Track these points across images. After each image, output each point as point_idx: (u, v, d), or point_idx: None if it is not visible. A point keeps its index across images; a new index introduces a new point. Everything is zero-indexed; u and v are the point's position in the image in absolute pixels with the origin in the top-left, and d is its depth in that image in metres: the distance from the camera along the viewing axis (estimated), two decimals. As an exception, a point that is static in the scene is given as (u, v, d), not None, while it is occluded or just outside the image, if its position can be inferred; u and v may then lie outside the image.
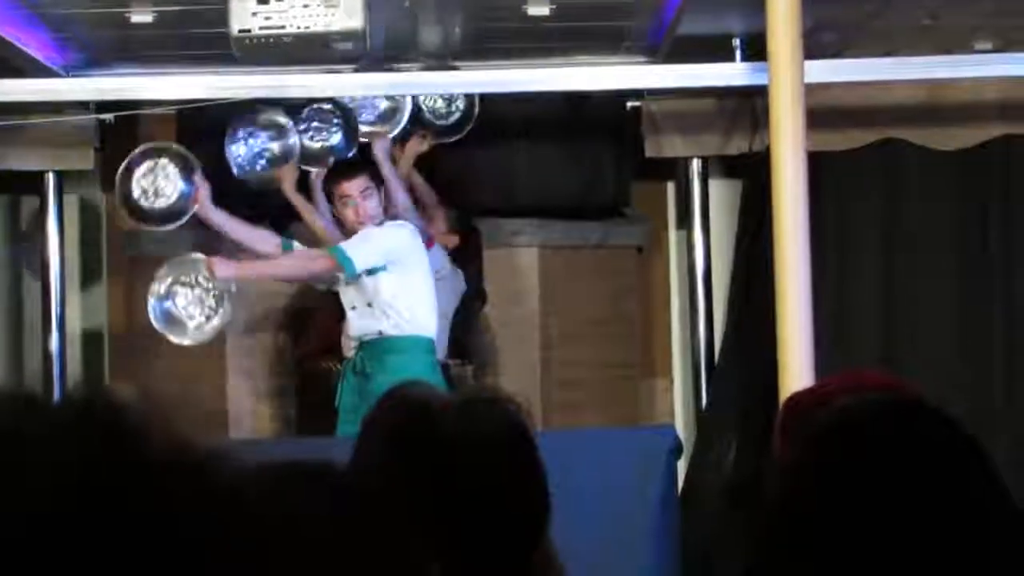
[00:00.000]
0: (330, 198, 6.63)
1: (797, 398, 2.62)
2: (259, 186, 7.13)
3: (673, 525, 6.01)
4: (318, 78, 6.90)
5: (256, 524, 1.46)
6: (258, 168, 7.10)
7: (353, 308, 6.57)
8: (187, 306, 6.75)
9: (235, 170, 7.11)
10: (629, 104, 7.58)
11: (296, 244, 6.74)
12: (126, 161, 6.95)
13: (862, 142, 7.44)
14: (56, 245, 7.64)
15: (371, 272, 6.45)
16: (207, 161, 7.03)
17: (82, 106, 7.38)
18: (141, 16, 6.28)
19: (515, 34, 6.83)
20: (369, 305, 6.51)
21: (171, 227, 6.94)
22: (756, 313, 6.91)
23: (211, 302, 6.73)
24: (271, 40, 5.76)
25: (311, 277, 6.76)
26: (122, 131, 7.64)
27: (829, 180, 7.16)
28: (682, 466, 6.77)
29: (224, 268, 6.46)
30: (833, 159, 7.29)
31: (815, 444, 1.84)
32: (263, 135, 7.12)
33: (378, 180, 6.60)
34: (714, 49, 6.86)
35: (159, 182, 6.90)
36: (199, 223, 6.94)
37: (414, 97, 7.27)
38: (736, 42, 6.94)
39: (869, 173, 7.48)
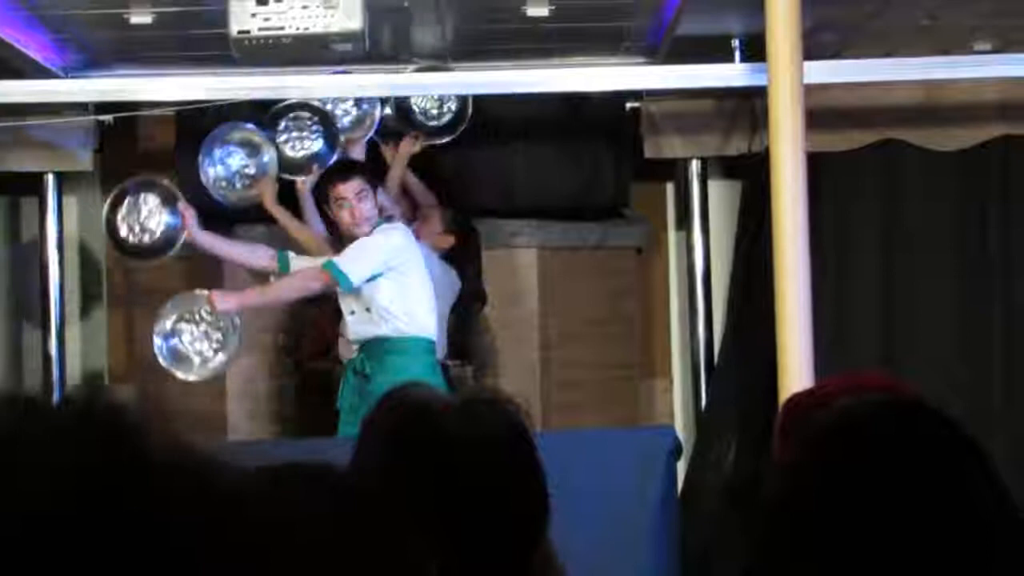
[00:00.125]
0: (325, 200, 6.63)
1: (797, 399, 2.62)
2: (241, 205, 7.12)
3: (673, 526, 6.01)
4: (317, 79, 6.90)
5: (255, 525, 1.46)
6: (238, 187, 7.06)
7: (352, 313, 6.58)
8: (193, 342, 6.78)
9: (216, 196, 7.06)
10: (628, 105, 7.58)
11: (291, 255, 6.74)
12: (107, 204, 6.97)
13: (861, 143, 7.44)
14: (55, 246, 7.64)
15: (368, 279, 6.46)
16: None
17: (81, 107, 7.38)
18: (140, 17, 6.28)
19: (514, 35, 6.83)
20: (368, 310, 6.52)
21: (167, 257, 6.97)
22: (755, 314, 6.91)
23: (218, 335, 6.76)
24: (270, 41, 5.76)
25: (312, 295, 6.74)
26: (121, 132, 7.65)
27: (828, 181, 7.16)
28: (682, 467, 6.77)
29: (225, 301, 6.54)
30: (832, 160, 7.29)
31: (815, 445, 1.84)
32: (239, 154, 7.08)
33: (373, 182, 6.61)
34: (713, 50, 6.86)
35: (143, 219, 6.92)
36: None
37: (406, 98, 7.24)
38: (735, 43, 6.94)
39: (868, 174, 7.48)
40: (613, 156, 7.87)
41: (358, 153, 7.09)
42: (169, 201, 6.88)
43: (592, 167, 7.85)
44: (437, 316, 6.68)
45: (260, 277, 6.91)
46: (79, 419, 1.42)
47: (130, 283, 7.84)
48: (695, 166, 7.72)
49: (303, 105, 7.11)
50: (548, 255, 7.82)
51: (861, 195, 7.48)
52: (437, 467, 2.13)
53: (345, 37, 5.77)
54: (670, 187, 8.18)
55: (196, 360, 6.78)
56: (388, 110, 7.28)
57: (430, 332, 6.59)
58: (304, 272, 6.58)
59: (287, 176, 7.05)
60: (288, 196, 7.04)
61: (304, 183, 7.01)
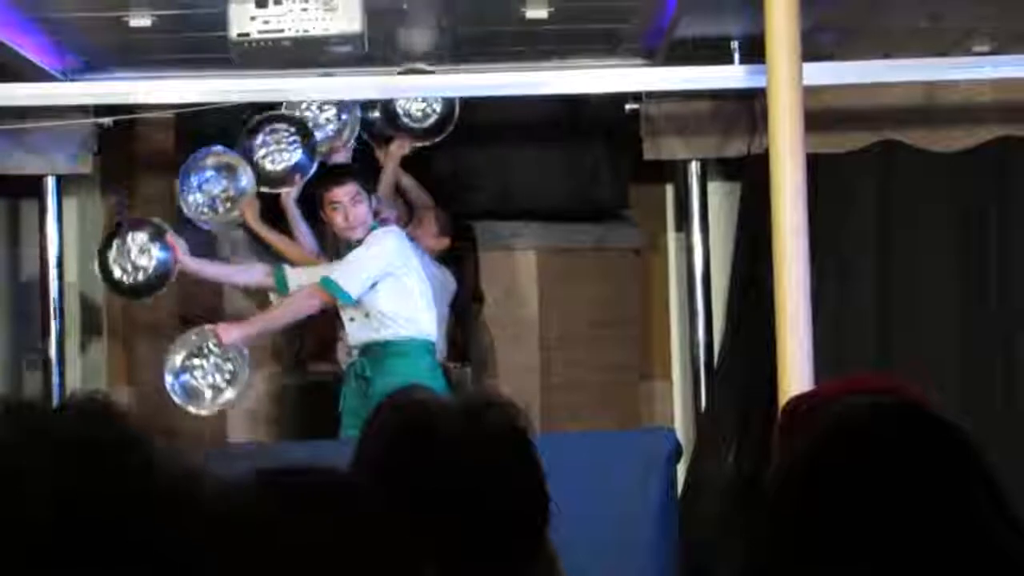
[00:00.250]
0: (320, 203, 6.63)
1: (797, 401, 2.62)
2: (225, 228, 7.13)
3: (672, 528, 6.01)
4: (316, 81, 6.90)
5: (255, 526, 1.46)
6: (220, 211, 7.06)
7: (352, 320, 6.59)
8: (205, 376, 6.81)
9: (200, 223, 7.05)
10: (627, 107, 7.58)
11: (287, 268, 6.74)
12: (97, 250, 7.01)
13: (860, 144, 7.44)
14: (55, 248, 7.64)
15: (367, 288, 6.49)
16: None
17: (81, 110, 7.38)
18: (140, 20, 6.28)
19: (513, 37, 6.83)
20: (367, 316, 6.54)
21: (163, 291, 6.99)
22: (755, 315, 6.92)
23: (229, 366, 6.80)
24: (270, 44, 5.76)
25: (315, 312, 6.74)
26: (121, 135, 7.65)
27: (827, 182, 7.16)
28: (681, 469, 6.77)
29: (230, 333, 6.61)
30: (831, 161, 7.29)
31: (816, 446, 1.85)
32: (217, 178, 7.07)
33: (368, 186, 6.62)
34: (712, 52, 6.87)
35: (134, 258, 6.94)
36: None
37: (391, 101, 7.21)
38: (734, 44, 6.94)
39: (867, 175, 7.48)
40: (612, 158, 7.87)
41: (342, 160, 7.09)
42: (158, 236, 6.90)
43: (591, 169, 7.85)
44: (436, 317, 6.69)
45: (257, 294, 6.94)
46: (77, 428, 1.43)
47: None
48: (694, 167, 7.72)
49: (279, 117, 7.08)
50: (547, 256, 7.82)
51: (860, 196, 7.48)
52: (437, 469, 2.14)
53: (344, 39, 5.77)
54: (669, 189, 8.18)
55: (209, 394, 6.81)
56: (377, 113, 7.27)
57: (430, 333, 6.60)
58: (303, 293, 6.58)
59: (269, 190, 7.04)
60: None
61: (288, 195, 7.02)
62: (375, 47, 6.05)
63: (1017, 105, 7.31)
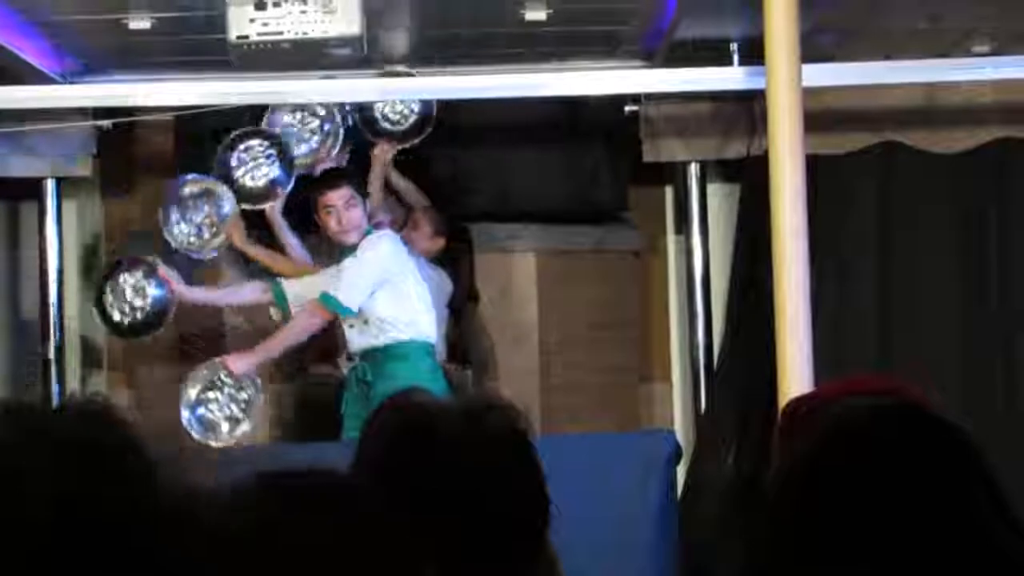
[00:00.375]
0: (313, 207, 6.64)
1: (797, 402, 2.62)
2: (214, 253, 7.14)
3: (672, 529, 6.02)
4: (315, 84, 6.90)
5: (255, 528, 1.46)
6: (207, 237, 7.08)
7: (351, 327, 6.60)
8: (221, 408, 6.85)
9: (189, 253, 7.07)
10: (627, 108, 7.58)
11: (283, 281, 6.74)
12: (94, 297, 7.05)
13: (860, 145, 7.44)
14: (55, 250, 7.64)
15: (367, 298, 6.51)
16: (204, 168, 7.06)
17: (80, 113, 7.38)
18: (139, 23, 6.28)
19: (513, 39, 6.83)
20: (366, 323, 6.54)
21: (162, 329, 7.03)
22: (755, 317, 6.91)
23: (244, 395, 6.82)
24: (269, 46, 5.76)
25: (318, 330, 6.75)
26: (120, 138, 7.65)
27: (827, 183, 7.15)
28: (681, 470, 6.77)
29: (239, 363, 6.68)
30: (831, 162, 7.29)
31: (817, 448, 1.85)
32: (199, 206, 7.09)
33: (363, 191, 6.62)
34: (711, 53, 6.87)
35: (129, 299, 6.97)
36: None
37: (369, 106, 7.19)
38: (733, 46, 6.94)
39: (867, 176, 7.48)
40: (611, 160, 7.87)
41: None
42: (151, 274, 6.93)
43: (591, 171, 7.85)
44: (435, 318, 6.70)
45: (257, 311, 6.96)
46: (79, 444, 1.43)
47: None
48: (694, 169, 7.72)
49: (251, 133, 7.08)
50: (547, 259, 7.82)
51: (860, 198, 7.48)
52: (437, 470, 2.14)
53: (343, 42, 5.77)
54: (669, 190, 8.18)
55: (226, 426, 6.85)
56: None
57: (429, 336, 6.61)
58: (304, 312, 6.59)
59: (252, 207, 7.05)
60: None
61: (272, 208, 7.02)
62: (373, 48, 6.05)
63: (1018, 106, 7.31)
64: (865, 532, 1.75)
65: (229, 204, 6.99)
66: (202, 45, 6.50)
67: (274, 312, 6.80)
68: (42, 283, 7.66)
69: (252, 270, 7.21)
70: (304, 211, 6.86)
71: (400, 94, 7.15)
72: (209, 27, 6.07)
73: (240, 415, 6.86)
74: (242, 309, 7.27)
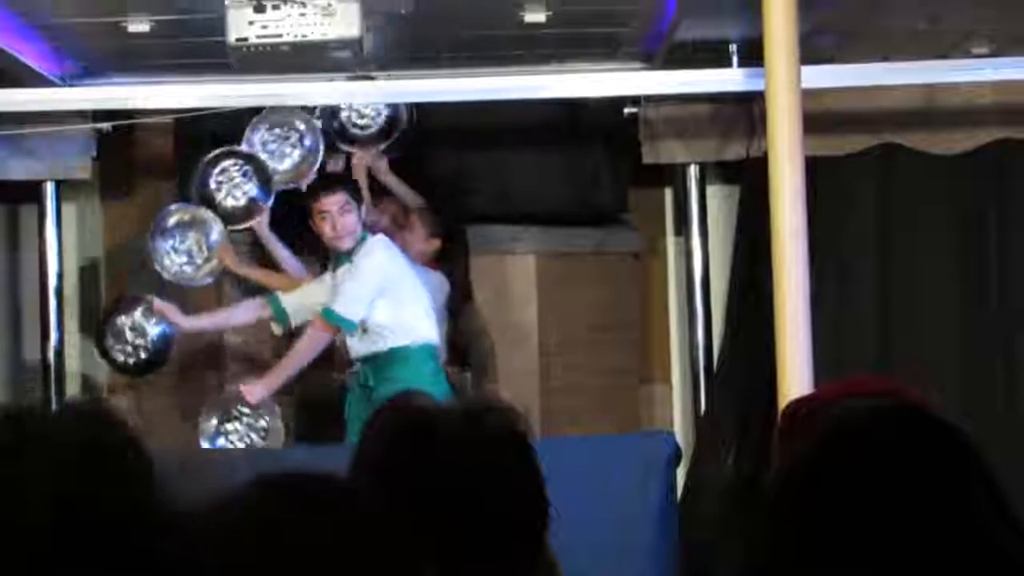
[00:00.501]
0: (308, 213, 6.64)
1: (797, 404, 2.62)
2: (208, 278, 7.15)
3: (672, 531, 6.01)
4: (315, 86, 6.90)
5: (256, 529, 1.46)
6: (200, 263, 7.09)
7: (352, 335, 6.60)
8: (242, 438, 6.91)
9: (183, 282, 7.11)
10: (626, 110, 7.58)
11: (280, 295, 6.74)
12: (95, 341, 7.11)
13: (859, 147, 7.44)
14: (55, 253, 7.64)
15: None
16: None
17: (80, 116, 7.38)
18: (138, 26, 6.28)
19: (512, 41, 6.83)
20: (366, 331, 6.55)
21: (167, 366, 7.10)
22: (755, 319, 6.91)
23: (262, 424, 6.84)
24: (268, 49, 5.76)
25: (326, 345, 6.75)
26: (120, 140, 7.65)
27: (826, 185, 7.16)
28: (681, 472, 6.77)
29: (255, 392, 6.69)
30: (830, 164, 7.29)
31: (816, 449, 1.85)
32: (186, 235, 7.10)
33: (358, 197, 6.62)
34: (711, 55, 6.87)
35: (130, 339, 7.02)
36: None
37: (337, 113, 7.18)
38: (733, 48, 6.94)
39: (866, 178, 7.48)
40: (611, 161, 7.87)
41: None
42: (149, 312, 6.97)
43: (591, 173, 7.85)
44: (435, 320, 6.71)
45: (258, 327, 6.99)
46: (79, 447, 1.43)
47: (128, 290, 7.83)
48: (693, 171, 7.72)
49: (224, 155, 7.09)
50: (547, 261, 7.82)
51: (860, 199, 7.48)
52: (437, 470, 2.14)
53: (343, 44, 5.77)
54: (669, 192, 8.18)
55: None
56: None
57: (430, 338, 6.61)
58: (309, 332, 6.59)
59: (239, 227, 7.07)
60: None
61: (260, 224, 7.04)
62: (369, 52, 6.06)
63: (1017, 107, 7.31)
64: (865, 533, 1.75)
65: (217, 229, 7.02)
66: (201, 48, 6.50)
67: (275, 327, 6.79)
68: (41, 285, 7.66)
69: (247, 288, 7.24)
70: (289, 220, 6.89)
71: (394, 97, 7.15)
72: (208, 30, 6.07)
73: (261, 443, 6.90)
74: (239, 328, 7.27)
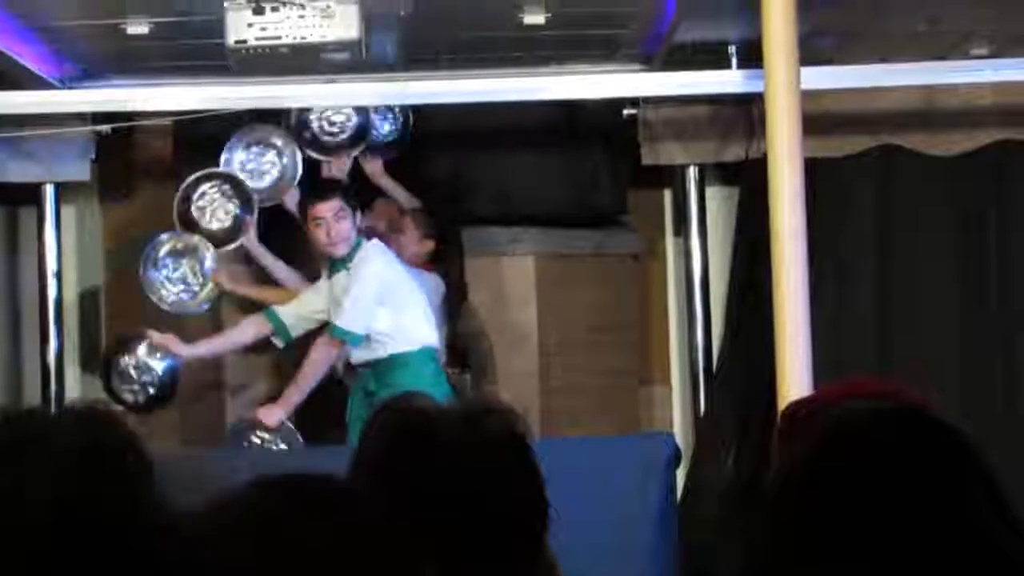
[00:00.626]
0: (303, 218, 6.64)
1: (796, 405, 2.62)
2: (207, 304, 7.16)
3: (672, 532, 6.01)
4: (314, 88, 6.90)
5: (256, 530, 1.46)
6: (197, 289, 7.11)
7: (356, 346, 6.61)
8: None
9: (181, 310, 7.13)
10: (625, 112, 7.58)
11: (277, 309, 6.73)
12: (102, 384, 7.09)
13: (858, 148, 7.44)
14: (54, 255, 7.64)
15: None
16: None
17: (79, 118, 7.39)
18: (137, 28, 6.28)
19: (511, 43, 6.83)
20: (367, 338, 6.55)
21: (174, 400, 7.12)
22: (754, 320, 6.92)
23: (284, 446, 6.86)
24: (267, 51, 5.76)
25: (336, 358, 6.76)
26: (119, 143, 7.65)
27: (825, 186, 7.16)
28: (681, 473, 6.77)
29: (273, 415, 6.74)
30: (829, 165, 7.29)
31: (816, 451, 1.85)
32: (177, 263, 7.11)
33: (353, 203, 6.62)
34: (710, 56, 6.87)
35: (135, 377, 7.05)
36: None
37: (307, 124, 7.18)
38: (732, 49, 6.94)
39: (866, 179, 7.48)
40: (610, 163, 7.87)
41: (292, 201, 7.09)
42: (152, 351, 6.98)
43: (590, 174, 7.85)
44: (435, 322, 6.71)
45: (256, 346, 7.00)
46: (79, 449, 1.43)
47: (129, 294, 7.83)
48: (693, 172, 7.72)
49: (202, 178, 7.10)
50: (546, 262, 7.82)
51: (859, 200, 7.48)
52: (437, 471, 2.14)
53: (342, 46, 5.77)
54: (668, 194, 8.18)
55: None
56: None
57: (429, 341, 6.61)
58: (317, 350, 6.60)
59: (227, 247, 7.09)
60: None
61: (249, 239, 7.07)
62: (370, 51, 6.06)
63: (1016, 108, 7.31)
64: (865, 534, 1.75)
65: (209, 254, 7.03)
66: (200, 50, 6.50)
67: (277, 341, 6.78)
68: (41, 288, 7.66)
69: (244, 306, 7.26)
70: (276, 229, 6.92)
71: (394, 99, 7.15)
72: (207, 32, 6.07)
73: None
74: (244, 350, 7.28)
